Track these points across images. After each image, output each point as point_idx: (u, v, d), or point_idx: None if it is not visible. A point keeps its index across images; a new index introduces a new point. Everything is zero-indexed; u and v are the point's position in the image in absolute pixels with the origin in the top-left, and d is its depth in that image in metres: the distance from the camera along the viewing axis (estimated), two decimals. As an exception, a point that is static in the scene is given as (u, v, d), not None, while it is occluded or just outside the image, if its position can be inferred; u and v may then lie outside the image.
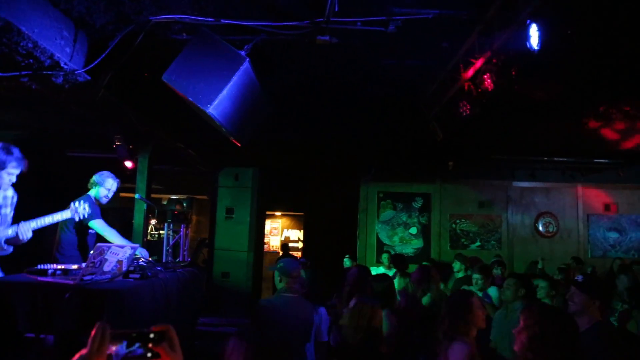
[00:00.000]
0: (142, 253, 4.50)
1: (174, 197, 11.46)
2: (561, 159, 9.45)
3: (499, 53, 3.88)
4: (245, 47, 4.17)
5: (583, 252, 10.23)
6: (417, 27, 4.11)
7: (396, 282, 5.44)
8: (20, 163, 3.86)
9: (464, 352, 2.83)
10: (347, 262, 8.39)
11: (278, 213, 14.51)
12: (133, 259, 3.92)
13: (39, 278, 3.45)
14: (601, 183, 10.42)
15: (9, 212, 4.02)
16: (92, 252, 3.48)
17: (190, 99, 4.01)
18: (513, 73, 3.76)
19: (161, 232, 9.58)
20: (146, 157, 7.76)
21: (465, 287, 5.70)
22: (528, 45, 3.31)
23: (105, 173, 4.96)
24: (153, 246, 8.47)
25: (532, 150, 9.04)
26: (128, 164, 8.00)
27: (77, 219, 4.26)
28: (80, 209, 4.13)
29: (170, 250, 7.44)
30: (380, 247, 10.24)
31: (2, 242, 3.80)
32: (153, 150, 7.81)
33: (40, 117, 7.20)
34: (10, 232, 3.78)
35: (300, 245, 14.25)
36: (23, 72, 4.40)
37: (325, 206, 11.01)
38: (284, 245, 13.15)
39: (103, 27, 4.30)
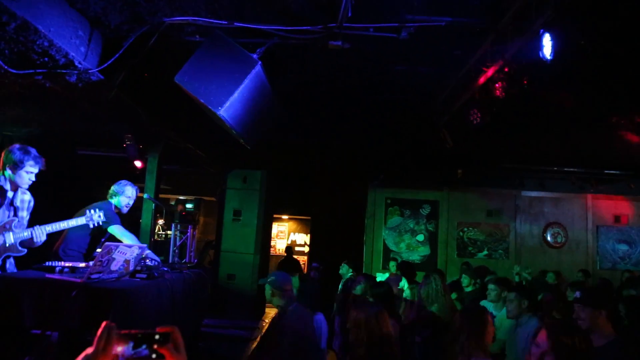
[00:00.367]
0: (149, 255, 4.53)
1: (181, 197, 11.51)
2: (571, 169, 9.38)
3: (511, 62, 3.87)
4: (258, 50, 4.19)
5: (592, 264, 10.13)
6: (430, 35, 4.11)
7: (405, 290, 5.44)
8: (38, 161, 3.95)
9: None
10: (344, 268, 8.21)
11: (285, 216, 14.53)
12: (140, 259, 3.94)
13: (47, 275, 3.48)
14: (611, 194, 10.32)
15: (25, 215, 4.10)
16: (99, 250, 3.50)
17: (202, 100, 4.03)
18: (525, 82, 3.74)
19: (168, 232, 9.63)
20: (156, 157, 7.80)
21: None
22: (541, 55, 3.29)
23: (124, 182, 5.01)
24: (160, 246, 8.52)
25: (542, 159, 8.98)
26: (137, 163, 8.04)
27: (91, 226, 4.36)
28: (95, 216, 4.22)
29: (177, 250, 7.47)
30: (387, 253, 10.21)
31: (18, 244, 3.86)
32: (163, 150, 7.85)
33: (52, 114, 7.27)
34: (25, 234, 3.84)
35: (306, 249, 14.25)
36: (38, 70, 4.45)
37: (332, 211, 11.01)
38: (288, 248, 13.15)
39: (118, 27, 4.34)
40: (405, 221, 10.38)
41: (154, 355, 1.04)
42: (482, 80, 4.42)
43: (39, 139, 8.33)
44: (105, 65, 4.46)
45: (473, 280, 7.05)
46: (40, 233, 3.88)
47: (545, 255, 10.30)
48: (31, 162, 3.88)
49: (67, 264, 3.75)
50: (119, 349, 1.03)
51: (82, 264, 3.91)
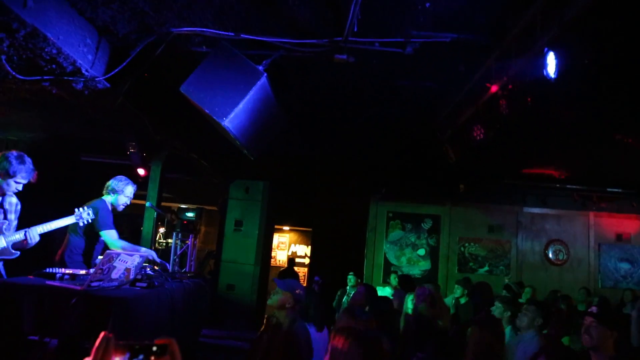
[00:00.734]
0: (151, 254, 4.56)
1: (183, 206, 11.52)
2: (573, 187, 9.36)
3: (515, 79, 3.88)
4: (264, 62, 4.23)
5: (593, 282, 10.07)
6: (434, 50, 4.15)
7: (408, 304, 5.41)
8: (30, 174, 3.93)
9: None
10: (352, 280, 8.28)
11: (286, 227, 14.51)
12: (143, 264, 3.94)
13: (47, 281, 3.48)
14: (613, 212, 10.29)
15: (13, 218, 4.07)
16: (100, 258, 3.50)
17: (207, 111, 4.06)
18: (529, 100, 3.76)
19: (169, 241, 9.61)
20: (159, 165, 7.83)
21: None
22: (545, 73, 3.31)
23: (124, 180, 4.85)
24: (160, 255, 8.48)
25: (544, 176, 8.98)
26: (141, 171, 8.07)
27: (81, 224, 4.29)
28: (84, 214, 4.17)
29: (177, 259, 7.46)
30: (388, 267, 10.17)
31: (10, 246, 3.84)
32: (166, 158, 7.88)
33: (57, 120, 7.32)
34: (18, 236, 3.82)
35: (307, 261, 14.20)
36: (45, 77, 4.49)
37: (333, 223, 11.00)
38: (291, 260, 13.13)
39: (126, 36, 4.39)
40: (406, 235, 10.35)
41: (150, 367, 1.04)
42: (486, 96, 4.44)
43: (43, 144, 8.38)
44: (112, 73, 4.50)
45: (467, 290, 7.02)
46: (35, 234, 3.86)
47: (546, 273, 10.25)
48: (23, 174, 3.85)
49: (67, 271, 3.75)
50: (117, 359, 1.03)
51: (83, 271, 3.90)
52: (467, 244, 10.32)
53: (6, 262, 4.00)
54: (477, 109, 4.76)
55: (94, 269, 3.51)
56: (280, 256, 14.73)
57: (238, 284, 8.75)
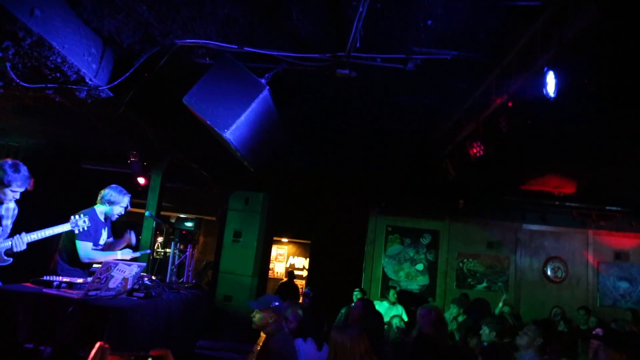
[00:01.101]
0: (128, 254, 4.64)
1: (182, 215, 11.51)
2: (573, 204, 9.37)
3: (515, 97, 3.91)
4: (266, 75, 4.26)
5: (592, 300, 10.03)
6: (436, 67, 4.19)
7: (396, 320, 5.39)
8: (26, 182, 3.89)
9: None
10: (357, 295, 8.22)
11: (285, 239, 14.49)
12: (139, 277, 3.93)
13: (44, 289, 3.48)
14: (612, 231, 10.28)
15: (9, 223, 4.04)
16: (98, 267, 3.50)
17: (209, 122, 4.08)
18: (529, 119, 3.79)
19: (167, 250, 9.58)
20: (159, 174, 7.84)
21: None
22: (544, 92, 3.34)
23: (119, 191, 4.80)
24: (158, 264, 8.46)
25: (544, 193, 8.99)
26: (141, 180, 8.08)
27: (76, 232, 4.25)
28: (80, 221, 4.13)
29: (175, 269, 7.40)
30: (386, 281, 10.14)
31: (2, 253, 3.81)
32: (167, 168, 7.90)
33: (59, 127, 7.35)
34: (7, 244, 3.79)
35: (304, 273, 14.16)
36: (49, 85, 4.52)
37: (332, 236, 10.98)
38: (290, 273, 13.08)
39: (130, 46, 4.43)
40: (405, 250, 10.33)
41: (146, 377, 1.05)
42: (486, 113, 4.47)
43: (44, 151, 8.41)
44: (116, 82, 4.54)
45: (462, 309, 7.00)
46: (21, 242, 3.77)
47: (545, 290, 10.21)
48: (18, 183, 3.81)
49: (64, 279, 3.74)
50: (111, 370, 1.04)
51: (80, 280, 3.90)
52: (465, 260, 10.30)
53: (1, 269, 3.97)
54: (477, 126, 4.79)
55: (91, 278, 3.51)
56: (278, 268, 14.69)
57: (235, 295, 8.71)
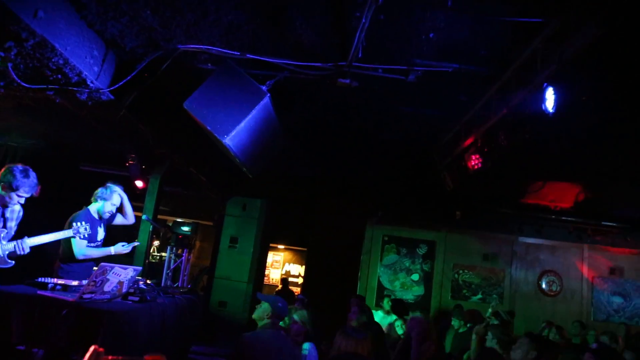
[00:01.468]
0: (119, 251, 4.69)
1: (179, 220, 11.48)
2: (569, 219, 9.39)
3: (515, 111, 3.94)
4: (268, 82, 4.28)
5: (586, 315, 10.03)
6: (437, 79, 4.22)
7: (398, 328, 5.39)
8: (34, 188, 3.95)
9: None
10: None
11: (281, 246, 14.46)
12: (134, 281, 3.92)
13: (38, 291, 3.45)
14: (608, 246, 10.30)
15: (13, 225, 4.07)
16: (95, 269, 3.48)
17: (209, 127, 4.09)
18: (527, 133, 3.81)
19: (163, 254, 9.56)
20: (157, 178, 7.83)
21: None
22: (543, 108, 3.36)
23: (112, 187, 4.90)
24: (154, 268, 8.46)
25: (540, 207, 9.01)
26: (139, 183, 8.06)
27: (78, 239, 4.32)
28: (81, 229, 4.18)
29: (170, 274, 7.41)
30: (381, 290, 10.12)
31: (5, 255, 3.82)
32: (165, 172, 7.88)
33: (58, 128, 7.35)
34: (11, 246, 3.80)
35: (300, 280, 14.12)
36: (50, 86, 4.53)
37: (328, 244, 10.97)
38: (284, 280, 13.04)
39: (133, 50, 4.45)
40: (401, 259, 10.32)
41: (140, 382, 1.05)
42: (485, 126, 4.50)
43: (43, 152, 8.39)
44: (117, 85, 4.54)
45: (463, 322, 7.00)
46: (26, 246, 3.82)
47: (539, 303, 10.20)
48: (26, 189, 3.87)
49: (59, 282, 3.73)
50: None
51: (75, 282, 3.88)
52: (461, 271, 10.29)
53: (1, 271, 3.97)
54: (476, 138, 4.81)
55: (86, 281, 3.50)
56: (273, 275, 14.65)
57: (230, 300, 8.68)
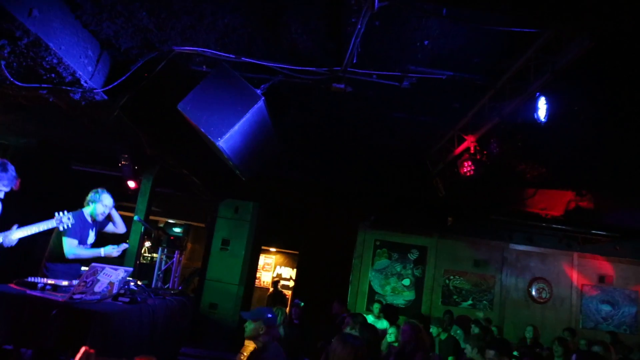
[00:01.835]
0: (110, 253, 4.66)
1: (171, 221, 11.44)
2: (559, 227, 9.46)
3: (507, 119, 3.98)
4: (262, 86, 4.28)
5: (575, 322, 10.10)
6: (431, 86, 4.24)
7: (391, 334, 5.39)
8: (12, 182, 3.88)
9: None
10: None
11: (273, 249, 14.43)
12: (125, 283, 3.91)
13: (28, 291, 3.43)
14: (598, 254, 10.39)
15: None
16: (85, 270, 3.47)
17: (202, 130, 4.09)
18: (519, 140, 3.85)
19: (154, 255, 9.52)
20: (150, 179, 7.81)
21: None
22: (535, 117, 3.40)
23: (100, 190, 4.93)
24: (145, 269, 8.42)
25: (532, 214, 9.08)
26: (131, 184, 8.03)
27: (61, 229, 4.23)
28: (64, 218, 4.10)
29: (161, 275, 7.38)
30: (372, 295, 10.14)
31: None
32: (157, 173, 7.86)
33: (51, 128, 7.30)
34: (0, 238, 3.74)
35: (291, 283, 14.10)
36: (43, 85, 4.50)
37: (320, 247, 10.96)
38: (275, 283, 13.03)
39: (127, 50, 4.44)
40: (392, 264, 10.35)
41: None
42: (478, 134, 4.53)
43: (35, 150, 8.33)
44: (111, 86, 4.53)
45: (441, 328, 7.04)
46: (12, 238, 3.76)
47: (529, 310, 10.27)
48: (5, 182, 3.81)
49: (49, 281, 3.70)
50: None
51: (65, 282, 3.86)
52: (452, 277, 10.34)
53: None
54: (468, 146, 4.85)
55: (77, 281, 3.48)
56: (265, 277, 14.61)
57: (221, 303, 8.66)
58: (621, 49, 3.02)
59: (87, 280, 3.33)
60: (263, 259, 14.14)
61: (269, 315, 3.68)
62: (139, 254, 7.95)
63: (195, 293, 9.23)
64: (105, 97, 4.70)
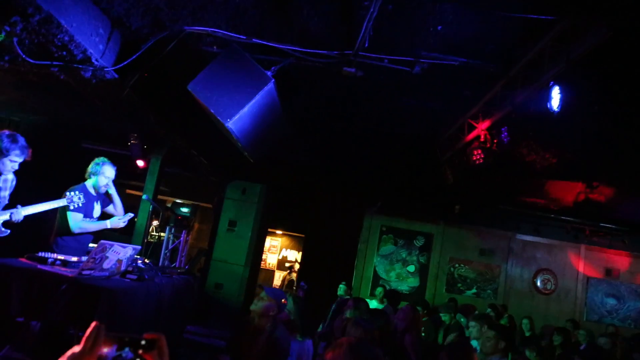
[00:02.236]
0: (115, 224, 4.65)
1: (178, 201, 11.51)
2: (567, 218, 9.42)
3: (519, 109, 3.94)
4: (273, 68, 4.27)
5: (579, 315, 10.10)
6: (442, 72, 4.20)
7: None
8: (24, 152, 3.90)
9: None
10: (341, 288, 8.25)
11: (279, 231, 14.51)
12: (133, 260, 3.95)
13: (39, 266, 3.49)
14: (605, 247, 10.34)
15: (6, 194, 4.04)
16: (94, 247, 3.51)
17: (212, 110, 4.09)
18: (530, 133, 3.82)
19: (162, 234, 9.60)
20: (159, 159, 7.85)
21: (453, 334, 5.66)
22: (548, 106, 3.36)
23: (101, 161, 4.80)
24: (152, 248, 8.49)
25: (539, 205, 9.04)
26: (140, 163, 8.08)
27: (71, 208, 4.25)
28: (75, 197, 4.13)
29: (168, 254, 7.43)
30: (377, 280, 10.19)
31: (1, 224, 3.81)
32: (166, 153, 7.89)
33: (61, 106, 7.34)
34: (7, 216, 3.78)
35: (296, 266, 14.21)
36: (54, 63, 4.50)
37: (326, 232, 11.01)
38: (290, 268, 13.16)
39: (138, 29, 4.43)
40: (398, 250, 10.38)
41: (137, 360, 1.06)
42: (488, 122, 4.50)
43: (46, 128, 8.39)
44: (122, 65, 4.53)
45: (451, 315, 7.07)
46: (19, 216, 3.78)
47: (533, 301, 10.27)
48: (17, 152, 3.83)
49: (59, 257, 3.75)
50: (104, 350, 1.05)
51: (75, 258, 3.91)
52: (457, 265, 10.35)
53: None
54: (478, 134, 4.81)
55: (86, 257, 3.53)
56: (270, 259, 14.72)
57: (226, 283, 8.75)
58: (637, 39, 2.97)
59: (96, 257, 3.37)
60: (269, 241, 14.23)
61: (284, 301, 3.70)
62: (146, 232, 8.03)
63: (201, 273, 9.32)
64: (116, 76, 4.70)
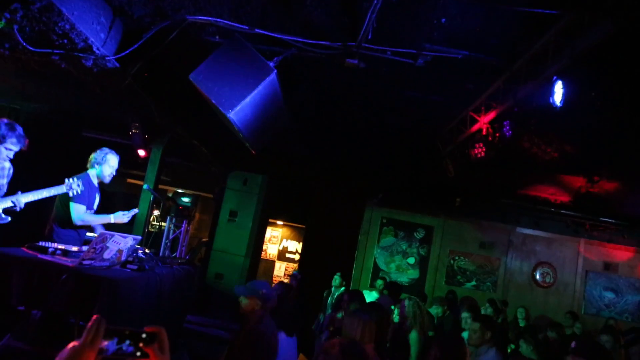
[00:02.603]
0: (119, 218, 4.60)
1: (180, 190, 11.52)
2: (567, 212, 9.42)
3: (521, 103, 3.92)
4: (275, 58, 4.24)
5: (577, 308, 10.14)
6: (445, 65, 4.18)
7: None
8: (21, 141, 3.86)
9: None
10: (337, 279, 8.22)
11: (280, 222, 14.52)
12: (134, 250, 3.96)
13: (39, 255, 3.49)
14: (604, 242, 10.35)
15: (4, 183, 4.03)
16: (95, 236, 3.51)
17: (214, 101, 4.07)
18: (533, 127, 3.80)
19: (162, 224, 9.62)
20: (160, 148, 7.84)
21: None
22: (551, 101, 3.35)
23: (106, 150, 4.73)
24: (153, 238, 8.51)
25: (540, 199, 9.03)
26: (141, 152, 8.07)
27: (71, 195, 4.21)
28: (74, 184, 4.09)
29: (169, 244, 7.45)
30: (376, 272, 10.22)
31: (1, 212, 3.80)
32: (168, 142, 7.88)
33: (62, 94, 7.31)
34: (6, 203, 3.76)
35: (297, 257, 14.25)
36: (55, 51, 4.48)
37: (327, 223, 11.01)
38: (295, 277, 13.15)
39: (140, 18, 4.39)
40: (398, 242, 10.40)
41: (138, 353, 1.07)
42: (491, 116, 4.48)
43: (46, 116, 8.37)
44: (123, 54, 4.50)
45: (442, 307, 7.06)
46: (21, 202, 3.74)
47: (532, 294, 10.31)
48: (13, 140, 3.80)
49: (60, 246, 3.75)
50: (105, 343, 1.05)
51: (75, 248, 3.91)
52: (457, 257, 10.38)
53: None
54: (480, 127, 4.80)
55: (87, 247, 3.53)
56: (271, 250, 14.76)
57: (227, 273, 8.78)
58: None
59: (97, 247, 3.37)
60: (270, 232, 14.25)
61: (264, 291, 3.59)
62: (147, 222, 8.04)
63: (201, 263, 9.35)
64: (117, 65, 4.68)
